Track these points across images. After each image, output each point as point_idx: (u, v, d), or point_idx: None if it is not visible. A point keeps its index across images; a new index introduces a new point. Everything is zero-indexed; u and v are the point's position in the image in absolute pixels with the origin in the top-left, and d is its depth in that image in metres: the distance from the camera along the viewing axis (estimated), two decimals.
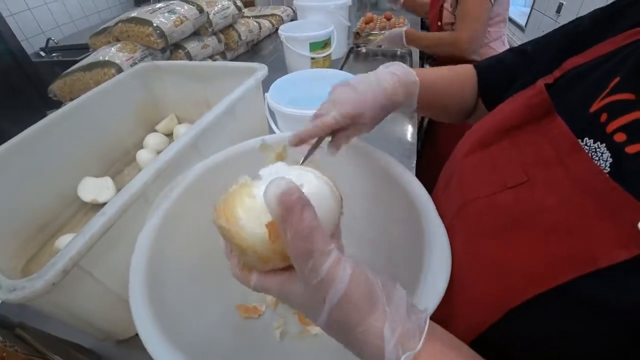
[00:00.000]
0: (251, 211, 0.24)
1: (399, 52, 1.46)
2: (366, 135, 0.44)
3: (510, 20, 2.80)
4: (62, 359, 0.35)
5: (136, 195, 0.41)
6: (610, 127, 0.26)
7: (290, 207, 0.20)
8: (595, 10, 0.38)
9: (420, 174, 0.50)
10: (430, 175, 0.50)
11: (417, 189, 0.41)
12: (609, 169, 0.25)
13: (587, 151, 0.27)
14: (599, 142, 0.27)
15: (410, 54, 1.44)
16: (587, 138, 0.28)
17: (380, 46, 1.43)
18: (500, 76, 0.48)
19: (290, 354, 0.44)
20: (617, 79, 0.28)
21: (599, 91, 0.29)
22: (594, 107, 0.28)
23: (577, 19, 0.40)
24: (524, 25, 2.86)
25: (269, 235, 0.22)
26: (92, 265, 0.38)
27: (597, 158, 0.26)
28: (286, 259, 0.23)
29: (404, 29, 1.26)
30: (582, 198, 0.26)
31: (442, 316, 0.32)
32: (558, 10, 2.31)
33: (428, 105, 0.48)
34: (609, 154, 0.26)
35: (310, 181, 0.26)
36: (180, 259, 0.43)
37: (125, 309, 0.45)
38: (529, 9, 2.78)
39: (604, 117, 0.27)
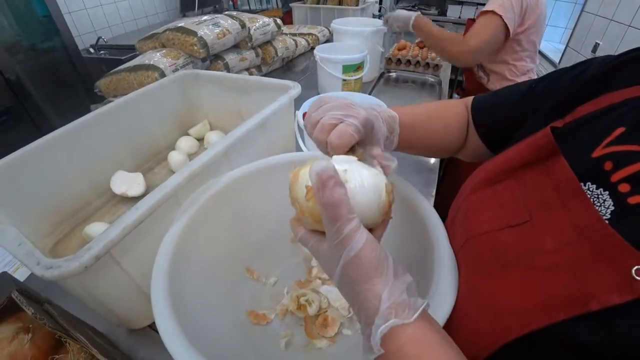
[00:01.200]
0: (304, 177, 0.31)
1: (429, 81, 1.48)
2: None
3: (544, 56, 2.78)
4: (83, 338, 0.37)
5: (168, 195, 0.44)
6: (615, 177, 0.27)
7: (325, 181, 0.26)
8: (605, 58, 0.38)
9: (439, 202, 0.51)
10: (448, 205, 0.50)
11: (433, 219, 0.42)
12: (609, 216, 0.26)
13: (589, 196, 0.28)
14: (601, 189, 0.28)
15: (440, 83, 1.46)
16: (589, 183, 0.29)
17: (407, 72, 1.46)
18: (504, 121, 0.47)
19: None
20: (622, 129, 0.29)
21: (602, 137, 0.30)
22: (597, 153, 0.29)
23: (586, 61, 0.40)
24: (557, 62, 2.83)
25: (306, 194, 0.30)
26: (120, 255, 0.41)
27: (598, 204, 0.27)
28: (319, 222, 0.29)
29: (416, 13, 1.27)
30: (581, 242, 0.27)
31: None
32: (594, 50, 2.29)
33: (409, 144, 0.48)
34: (611, 202, 0.27)
35: (361, 177, 0.30)
36: (201, 260, 0.45)
37: (142, 301, 0.48)
38: (563, 46, 2.76)
39: (608, 165, 0.28)
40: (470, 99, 0.53)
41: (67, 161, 0.67)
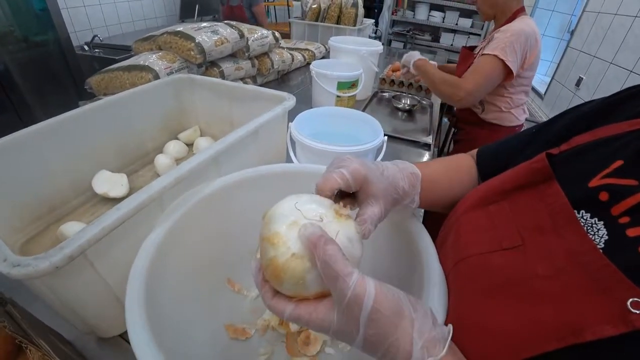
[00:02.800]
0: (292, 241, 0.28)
1: (421, 104, 1.51)
2: None
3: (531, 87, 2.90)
4: (46, 345, 0.35)
5: (153, 197, 0.42)
6: (616, 210, 0.27)
7: (315, 242, 0.26)
8: (597, 100, 0.40)
9: (429, 223, 0.50)
10: (438, 225, 0.50)
11: (424, 238, 0.42)
12: (603, 246, 0.26)
13: (582, 224, 0.28)
14: (596, 219, 0.28)
15: (431, 106, 1.49)
16: (583, 211, 0.29)
17: (399, 93, 1.49)
18: (505, 158, 0.46)
19: None
20: (620, 162, 0.29)
21: (600, 168, 0.30)
22: (594, 183, 0.30)
23: (587, 102, 0.41)
24: (543, 93, 2.94)
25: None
26: (96, 257, 0.39)
27: (592, 233, 0.27)
28: (301, 284, 0.27)
29: (418, 57, 1.30)
30: (575, 271, 0.27)
31: None
32: (578, 84, 2.39)
33: (431, 202, 0.46)
34: (605, 232, 0.27)
35: (337, 227, 0.29)
36: (181, 268, 0.44)
37: (115, 307, 0.45)
38: (549, 79, 2.87)
39: (604, 195, 0.28)
40: (475, 150, 0.52)
41: (48, 155, 0.64)
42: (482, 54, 1.17)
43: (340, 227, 0.29)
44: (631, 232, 0.26)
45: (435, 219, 0.55)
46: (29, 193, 0.62)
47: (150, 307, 0.34)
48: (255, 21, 2.63)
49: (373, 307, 0.25)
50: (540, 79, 3.10)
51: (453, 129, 1.62)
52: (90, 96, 1.13)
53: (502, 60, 1.11)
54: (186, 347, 0.38)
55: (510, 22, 1.19)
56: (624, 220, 0.27)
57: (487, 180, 0.41)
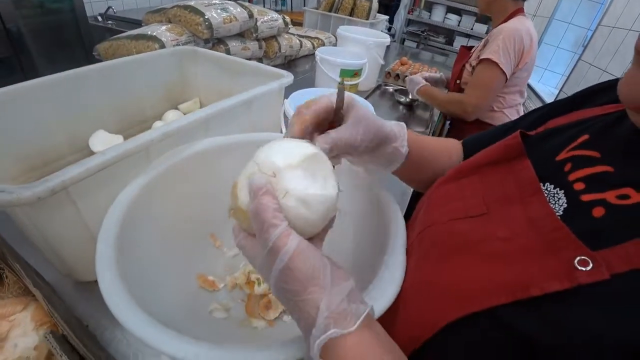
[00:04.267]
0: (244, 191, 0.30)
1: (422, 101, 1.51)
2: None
3: (539, 97, 2.88)
4: (22, 270, 0.36)
5: (139, 148, 0.44)
6: (572, 176, 0.29)
7: (255, 192, 0.27)
8: (574, 93, 0.42)
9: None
10: None
11: (394, 210, 0.43)
12: (561, 213, 0.28)
13: (545, 195, 0.30)
14: (558, 189, 0.30)
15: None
16: (548, 183, 0.31)
17: (402, 88, 1.50)
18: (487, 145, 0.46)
19: (222, 334, 0.45)
20: (586, 136, 0.31)
21: (568, 143, 0.32)
22: (561, 157, 0.31)
23: (558, 99, 0.44)
24: None
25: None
26: (78, 196, 0.41)
27: (553, 202, 0.29)
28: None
29: (423, 84, 1.32)
30: (530, 234, 0.28)
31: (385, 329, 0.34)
32: None
33: (412, 168, 0.44)
34: (565, 200, 0.28)
35: (305, 188, 0.29)
36: (163, 216, 0.45)
37: (93, 251, 0.47)
38: (557, 91, 2.86)
39: (568, 166, 0.30)
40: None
41: (49, 109, 0.66)
42: (480, 59, 1.18)
43: (296, 181, 0.29)
44: (585, 198, 0.27)
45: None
46: (26, 144, 0.64)
47: (122, 248, 0.35)
48: None
49: (286, 264, 0.25)
50: (549, 91, 3.08)
51: (448, 122, 1.62)
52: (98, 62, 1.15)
53: (497, 63, 1.13)
54: (154, 289, 0.40)
55: (507, 21, 1.20)
56: (579, 186, 0.28)
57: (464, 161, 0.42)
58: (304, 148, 0.30)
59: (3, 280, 0.42)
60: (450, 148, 0.51)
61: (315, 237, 0.31)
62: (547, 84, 3.17)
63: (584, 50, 2.60)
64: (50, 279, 0.50)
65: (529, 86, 2.80)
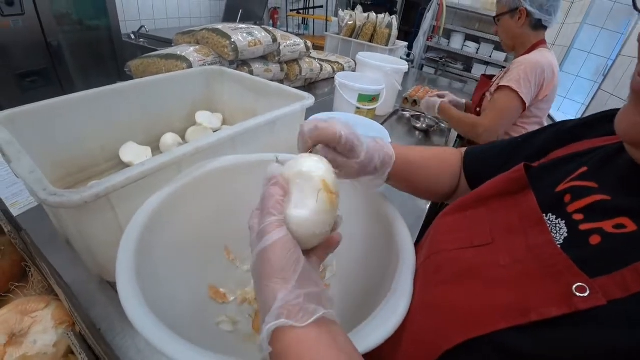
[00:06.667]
0: None
1: (440, 127, 1.54)
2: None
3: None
4: (47, 269, 0.39)
5: (173, 161, 0.48)
6: (571, 208, 0.31)
7: (267, 180, 0.31)
8: (575, 120, 0.43)
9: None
10: None
11: (403, 233, 0.44)
12: (562, 241, 0.30)
13: (548, 225, 0.31)
14: (559, 219, 0.31)
15: (450, 130, 1.52)
16: (550, 214, 0.32)
17: (419, 113, 1.53)
18: (490, 167, 0.48)
19: (226, 346, 0.46)
20: (584, 168, 0.33)
21: (568, 175, 0.34)
22: (560, 188, 0.33)
23: (567, 120, 0.45)
24: None
25: None
26: (117, 202, 0.45)
27: (555, 232, 0.31)
28: None
29: (440, 100, 1.35)
30: (530, 261, 0.30)
31: (390, 352, 0.36)
32: None
33: (401, 179, 0.48)
34: (566, 230, 0.30)
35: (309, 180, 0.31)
36: (183, 225, 0.48)
37: None
38: None
39: (567, 197, 0.32)
40: (464, 149, 0.56)
41: (87, 121, 0.71)
42: (498, 85, 1.20)
43: (304, 184, 0.31)
44: (583, 227, 0.29)
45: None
46: (66, 151, 0.69)
47: (141, 251, 0.37)
48: None
49: (264, 249, 0.28)
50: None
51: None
52: (129, 78, 1.23)
53: (517, 92, 1.14)
54: (166, 293, 0.41)
55: (529, 53, 1.22)
56: (578, 217, 0.30)
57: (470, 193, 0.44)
58: (319, 169, 0.32)
59: (28, 278, 0.44)
60: (446, 163, 0.53)
61: (312, 253, 0.33)
62: (567, 113, 3.16)
63: (603, 80, 2.60)
64: (68, 281, 0.53)
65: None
